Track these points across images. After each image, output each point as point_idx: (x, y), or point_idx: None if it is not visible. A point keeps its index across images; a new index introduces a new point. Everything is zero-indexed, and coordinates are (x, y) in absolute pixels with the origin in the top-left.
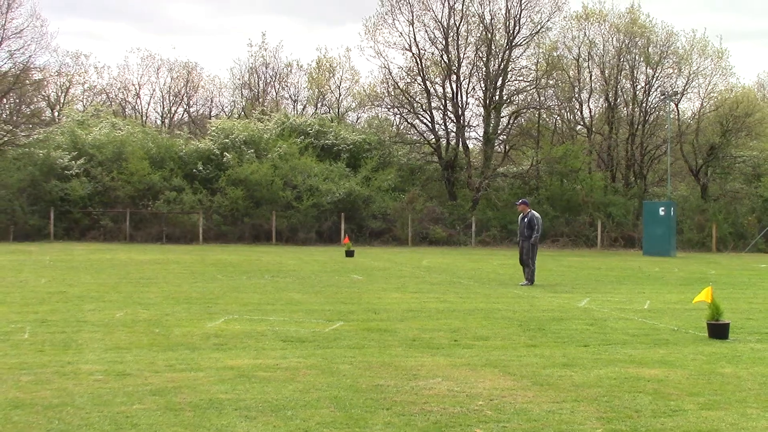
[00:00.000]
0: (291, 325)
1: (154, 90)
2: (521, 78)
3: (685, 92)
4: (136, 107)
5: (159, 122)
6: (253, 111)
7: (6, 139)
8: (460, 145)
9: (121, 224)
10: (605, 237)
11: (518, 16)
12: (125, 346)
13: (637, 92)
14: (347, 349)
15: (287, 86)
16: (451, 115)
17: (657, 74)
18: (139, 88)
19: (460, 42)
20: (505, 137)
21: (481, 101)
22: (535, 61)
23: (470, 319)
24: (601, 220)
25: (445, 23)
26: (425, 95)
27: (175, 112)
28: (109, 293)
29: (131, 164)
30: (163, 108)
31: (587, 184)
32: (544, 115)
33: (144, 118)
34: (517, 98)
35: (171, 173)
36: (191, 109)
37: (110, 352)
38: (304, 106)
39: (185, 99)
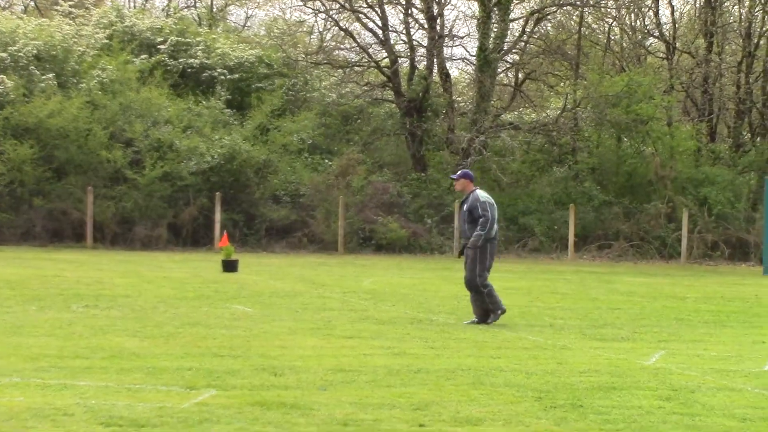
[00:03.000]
0: (119, 395)
1: None
2: None
3: None
4: None
5: None
6: (57, 3)
7: None
8: (435, 70)
9: None
10: (696, 241)
11: None
12: None
13: None
14: None
15: None
16: (420, 16)
17: None
18: None
19: None
20: (517, 58)
21: None
22: None
23: (448, 386)
24: (690, 210)
25: None
26: None
27: None
28: None
29: None
30: None
31: (666, 145)
32: (589, 19)
33: None
34: None
35: None
36: None
37: None
38: None
39: None
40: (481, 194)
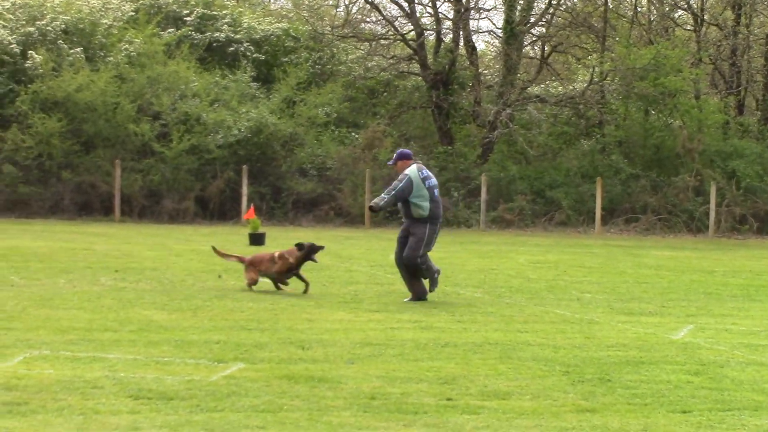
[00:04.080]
0: (148, 368)
1: None
2: None
3: None
4: None
5: None
6: None
7: None
8: (462, 43)
9: None
10: (725, 215)
11: None
12: None
13: None
14: (251, 415)
15: None
16: None
17: None
18: None
19: None
20: (543, 30)
21: None
22: None
23: (475, 360)
24: (718, 183)
25: None
26: None
27: None
28: None
29: None
30: None
31: (693, 118)
32: None
33: None
34: None
35: None
36: None
37: None
38: None
39: None
40: (410, 169)
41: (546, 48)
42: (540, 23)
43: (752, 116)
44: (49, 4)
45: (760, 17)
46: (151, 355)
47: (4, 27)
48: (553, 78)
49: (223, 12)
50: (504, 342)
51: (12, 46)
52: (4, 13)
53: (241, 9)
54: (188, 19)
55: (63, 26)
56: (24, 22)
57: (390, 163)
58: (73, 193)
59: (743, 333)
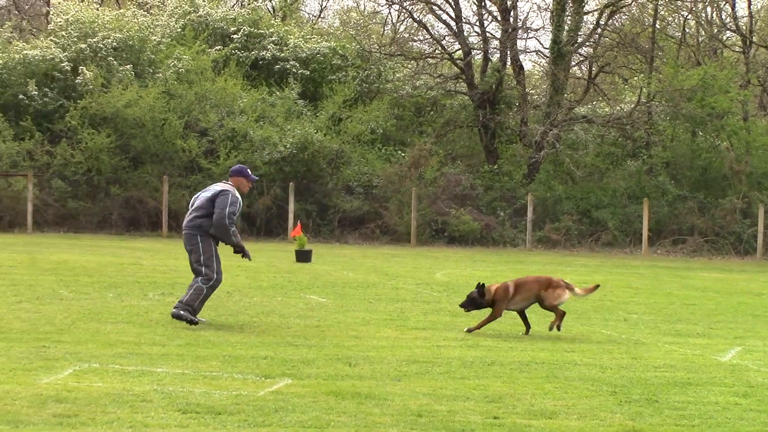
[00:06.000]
0: (196, 382)
1: None
2: None
3: None
4: None
5: None
6: None
7: None
8: (509, 63)
9: None
10: None
11: None
12: None
13: None
14: (298, 430)
15: None
16: (494, 8)
17: None
18: None
19: None
20: (590, 51)
21: None
22: None
23: (522, 378)
24: (766, 206)
25: None
26: None
27: None
28: None
29: None
30: None
31: (741, 139)
32: (664, 12)
33: None
34: None
35: None
36: None
37: None
38: None
39: None
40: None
41: (593, 68)
42: (587, 43)
43: None
44: (99, 21)
45: None
46: (199, 370)
47: (56, 44)
48: (600, 98)
49: (270, 30)
50: (551, 361)
51: (63, 63)
52: (57, 30)
53: (287, 28)
54: (235, 37)
55: (114, 43)
56: (75, 39)
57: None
58: (121, 208)
59: None
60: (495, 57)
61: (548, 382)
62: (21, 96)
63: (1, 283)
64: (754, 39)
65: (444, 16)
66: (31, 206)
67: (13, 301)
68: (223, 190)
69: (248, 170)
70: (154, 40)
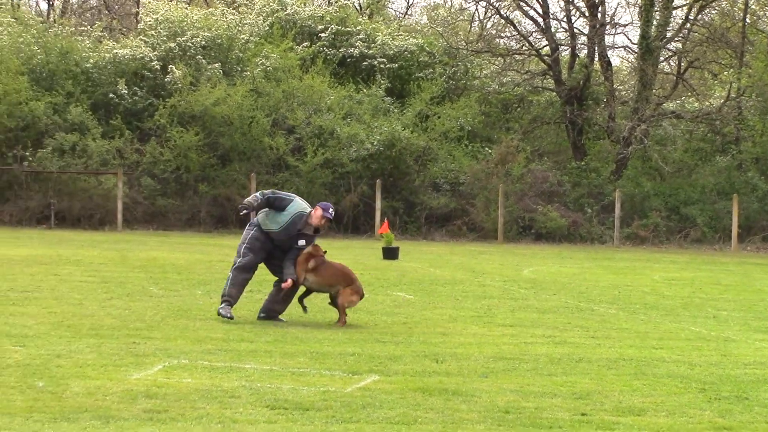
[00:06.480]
0: (284, 378)
1: None
2: None
3: None
4: None
5: (46, 8)
6: None
7: None
8: (597, 58)
9: None
10: None
11: None
12: None
13: None
14: (386, 426)
15: None
16: (581, 4)
17: None
18: None
19: None
20: (679, 46)
21: None
22: None
23: (610, 376)
24: None
25: None
26: None
27: None
28: None
29: None
30: None
31: None
32: (754, 6)
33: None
34: None
35: (68, 100)
36: None
37: None
38: None
39: None
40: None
41: (682, 63)
42: (676, 38)
43: None
44: (188, 20)
45: None
46: (287, 366)
47: (145, 43)
48: (689, 94)
49: (357, 28)
50: (639, 358)
51: (153, 62)
52: (146, 29)
53: (374, 25)
54: (323, 35)
55: (202, 42)
56: (165, 38)
57: (329, 215)
58: (209, 206)
59: None
60: (582, 53)
61: (636, 378)
62: (111, 95)
63: (92, 280)
64: None
65: (531, 12)
66: (121, 204)
67: (103, 298)
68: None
69: (330, 210)
70: (242, 38)
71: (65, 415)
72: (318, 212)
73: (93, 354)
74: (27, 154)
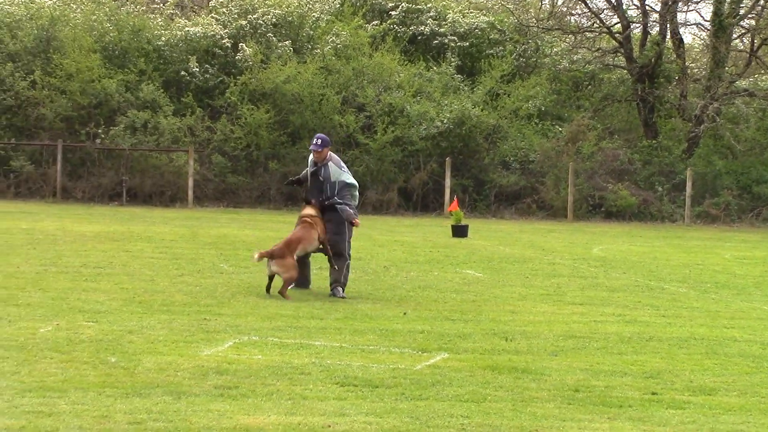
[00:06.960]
0: (354, 356)
1: None
2: None
3: None
4: None
5: None
6: None
7: None
8: (668, 36)
9: (47, 168)
10: None
11: None
12: (55, 386)
13: None
14: (455, 404)
15: None
16: None
17: None
18: None
19: None
20: (753, 23)
21: None
22: None
23: (680, 355)
24: None
25: None
26: None
27: None
28: (27, 292)
29: (68, 61)
30: None
31: None
32: None
33: None
34: None
35: (140, 78)
36: None
37: (29, 397)
38: None
39: None
40: (338, 165)
41: (755, 41)
42: (749, 15)
43: None
44: None
45: None
46: (357, 344)
47: (217, 21)
48: (763, 72)
49: (428, 5)
50: (710, 337)
51: (224, 40)
52: (218, 6)
53: (445, 3)
54: (393, 13)
55: (273, 20)
56: (236, 16)
57: (315, 148)
58: (279, 183)
59: None
60: (654, 30)
61: (707, 358)
62: (182, 72)
63: (164, 257)
64: None
65: None
66: (192, 181)
67: (174, 275)
68: None
69: (314, 141)
70: (313, 16)
71: (137, 391)
72: None
73: (164, 330)
74: (100, 131)
